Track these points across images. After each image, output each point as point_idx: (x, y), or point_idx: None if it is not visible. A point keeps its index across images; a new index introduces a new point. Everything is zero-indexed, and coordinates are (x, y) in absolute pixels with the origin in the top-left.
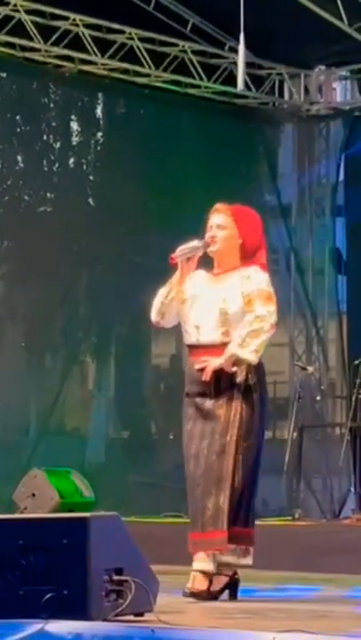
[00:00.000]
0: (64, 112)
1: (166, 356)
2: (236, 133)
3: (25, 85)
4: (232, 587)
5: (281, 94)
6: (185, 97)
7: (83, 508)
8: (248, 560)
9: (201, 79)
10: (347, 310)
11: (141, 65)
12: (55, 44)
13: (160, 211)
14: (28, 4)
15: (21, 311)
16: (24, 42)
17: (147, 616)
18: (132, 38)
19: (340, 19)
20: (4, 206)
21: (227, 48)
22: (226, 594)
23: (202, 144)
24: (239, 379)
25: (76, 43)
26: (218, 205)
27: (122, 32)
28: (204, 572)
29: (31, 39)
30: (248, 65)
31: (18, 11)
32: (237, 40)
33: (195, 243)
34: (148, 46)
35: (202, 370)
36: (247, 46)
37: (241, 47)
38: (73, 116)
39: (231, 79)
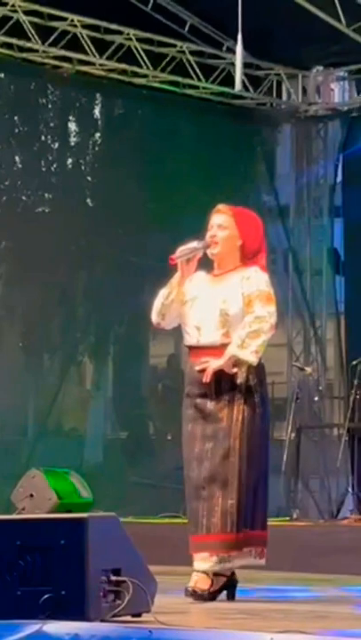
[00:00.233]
0: (62, 112)
1: (164, 357)
2: (234, 134)
3: (23, 86)
4: (230, 587)
5: (279, 95)
6: (183, 97)
7: (80, 509)
8: (263, 561)
9: (199, 80)
10: (345, 311)
11: (139, 65)
12: (53, 44)
13: (158, 211)
14: (26, 4)
15: (19, 311)
16: (22, 42)
17: (144, 617)
18: (130, 39)
19: (338, 19)
20: (1, 207)
21: (224, 49)
22: (224, 594)
23: (200, 144)
24: (240, 380)
25: (74, 43)
26: (219, 206)
27: (120, 33)
28: (205, 572)
29: (29, 40)
30: (246, 65)
31: (16, 11)
32: (235, 41)
33: (194, 244)
34: (146, 47)
35: (202, 371)
36: (245, 47)
37: (239, 48)
38: (71, 117)
39: (229, 80)
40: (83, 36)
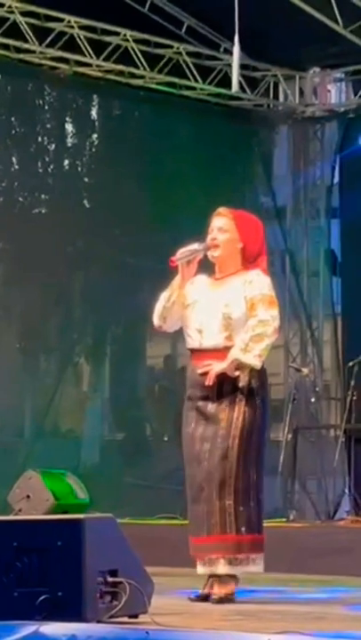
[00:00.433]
0: (59, 114)
1: (161, 358)
2: (231, 135)
3: (20, 87)
4: None
5: (276, 96)
6: (180, 99)
7: (77, 510)
8: (260, 567)
9: (196, 81)
10: (341, 312)
11: (136, 67)
12: (50, 45)
13: (155, 212)
14: (22, 5)
15: (16, 312)
16: (19, 43)
17: (141, 618)
18: (127, 40)
19: (335, 21)
20: None
21: (222, 50)
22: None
23: (197, 146)
24: (242, 383)
25: (71, 44)
26: (220, 209)
27: (117, 34)
28: (229, 576)
29: (26, 41)
30: (243, 67)
31: (13, 12)
32: (232, 42)
33: (195, 246)
34: (143, 48)
35: (204, 374)
36: (242, 48)
37: (236, 49)
38: (68, 118)
39: (226, 81)
40: (80, 37)
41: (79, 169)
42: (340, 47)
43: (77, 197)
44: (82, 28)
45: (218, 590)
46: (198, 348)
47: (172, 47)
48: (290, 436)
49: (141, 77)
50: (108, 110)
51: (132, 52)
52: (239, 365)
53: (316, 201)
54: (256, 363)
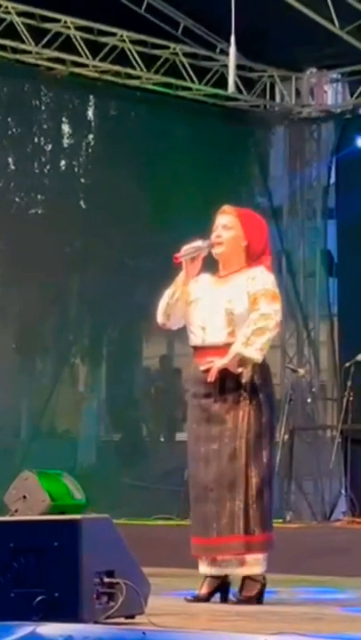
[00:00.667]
0: (55, 114)
1: (157, 358)
2: (228, 136)
3: (16, 87)
4: (223, 589)
5: (272, 97)
6: (176, 99)
7: (74, 511)
8: (262, 568)
9: (192, 82)
10: (338, 313)
11: (133, 67)
12: (47, 46)
13: (152, 213)
14: (19, 6)
15: (12, 313)
16: (15, 44)
17: (138, 618)
18: (124, 40)
19: (332, 21)
20: None
21: (218, 50)
22: (218, 596)
23: (193, 146)
24: (245, 379)
25: (68, 45)
26: (224, 207)
27: (113, 34)
28: (250, 577)
29: (23, 41)
30: (239, 67)
31: (9, 13)
32: (229, 42)
33: (199, 242)
34: (140, 49)
35: (207, 371)
36: (238, 49)
37: (232, 49)
38: (64, 119)
39: (223, 82)
40: (76, 38)
41: (76, 169)
42: (337, 48)
43: (74, 198)
44: (78, 28)
45: (246, 591)
46: (201, 345)
47: (168, 48)
48: (286, 436)
49: (138, 78)
50: (104, 111)
51: (128, 53)
52: (241, 361)
53: (313, 201)
54: (257, 356)
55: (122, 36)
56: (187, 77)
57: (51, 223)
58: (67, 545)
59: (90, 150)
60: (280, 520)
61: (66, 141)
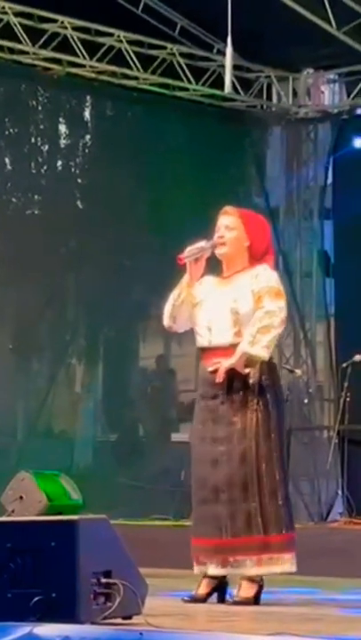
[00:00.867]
0: (52, 114)
1: (154, 358)
2: (225, 136)
3: (13, 88)
4: (220, 590)
5: (269, 97)
6: (173, 100)
7: (71, 511)
8: (291, 567)
9: (189, 82)
10: (334, 313)
11: (130, 68)
12: (43, 46)
13: (149, 213)
14: (16, 6)
15: (9, 313)
16: (12, 44)
17: (135, 619)
18: (121, 41)
19: (329, 22)
20: None
21: (215, 51)
22: (215, 597)
23: (190, 147)
24: (252, 380)
25: (65, 45)
26: (227, 207)
27: (110, 35)
28: (249, 579)
29: (19, 41)
30: (236, 68)
31: (6, 13)
32: (225, 43)
33: (202, 243)
34: (137, 49)
35: (215, 372)
36: (235, 49)
37: (229, 50)
38: (61, 119)
39: (219, 82)
40: (73, 38)
41: (72, 169)
42: (334, 48)
43: (71, 198)
44: (75, 28)
45: (244, 592)
46: (208, 347)
47: (165, 48)
48: None
49: (135, 78)
50: (101, 111)
51: (125, 53)
52: (248, 360)
53: (310, 202)
54: (264, 354)
55: (119, 36)
56: (183, 78)
57: (47, 223)
58: (64, 545)
59: (87, 150)
60: None
61: (63, 142)
